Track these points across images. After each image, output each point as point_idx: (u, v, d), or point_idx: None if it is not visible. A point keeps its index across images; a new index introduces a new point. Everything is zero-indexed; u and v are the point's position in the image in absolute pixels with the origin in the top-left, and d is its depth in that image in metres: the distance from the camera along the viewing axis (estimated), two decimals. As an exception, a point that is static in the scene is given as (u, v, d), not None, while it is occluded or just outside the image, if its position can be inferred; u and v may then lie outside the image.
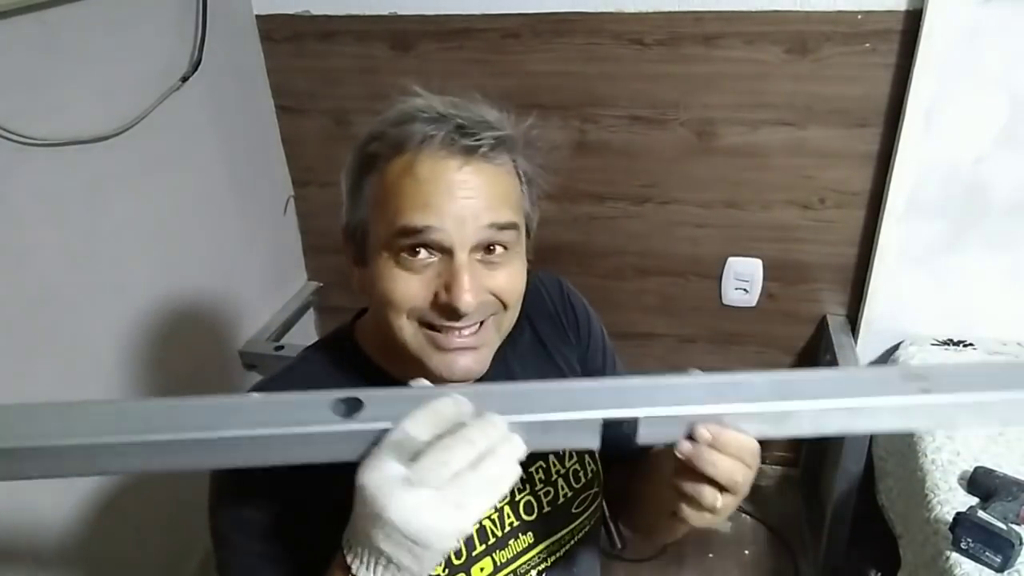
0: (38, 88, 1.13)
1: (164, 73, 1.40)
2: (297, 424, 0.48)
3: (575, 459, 0.83)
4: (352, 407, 0.49)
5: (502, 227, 0.65)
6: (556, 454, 0.82)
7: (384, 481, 0.46)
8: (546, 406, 0.50)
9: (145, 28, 1.34)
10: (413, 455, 0.46)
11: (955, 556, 1.11)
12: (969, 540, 1.10)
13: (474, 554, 0.74)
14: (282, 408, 0.49)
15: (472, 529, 0.47)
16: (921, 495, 1.26)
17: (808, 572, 1.74)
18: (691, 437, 0.55)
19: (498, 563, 0.76)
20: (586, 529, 0.85)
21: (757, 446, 0.57)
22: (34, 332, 1.15)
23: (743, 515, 1.89)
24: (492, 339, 0.69)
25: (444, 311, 0.64)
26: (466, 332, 0.66)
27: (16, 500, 1.13)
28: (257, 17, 1.67)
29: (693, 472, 0.57)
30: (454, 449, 0.46)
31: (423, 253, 0.64)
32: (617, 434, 0.93)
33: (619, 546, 0.98)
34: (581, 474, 0.84)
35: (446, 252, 0.64)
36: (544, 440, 0.50)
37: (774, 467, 2.00)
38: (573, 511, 0.83)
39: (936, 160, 1.47)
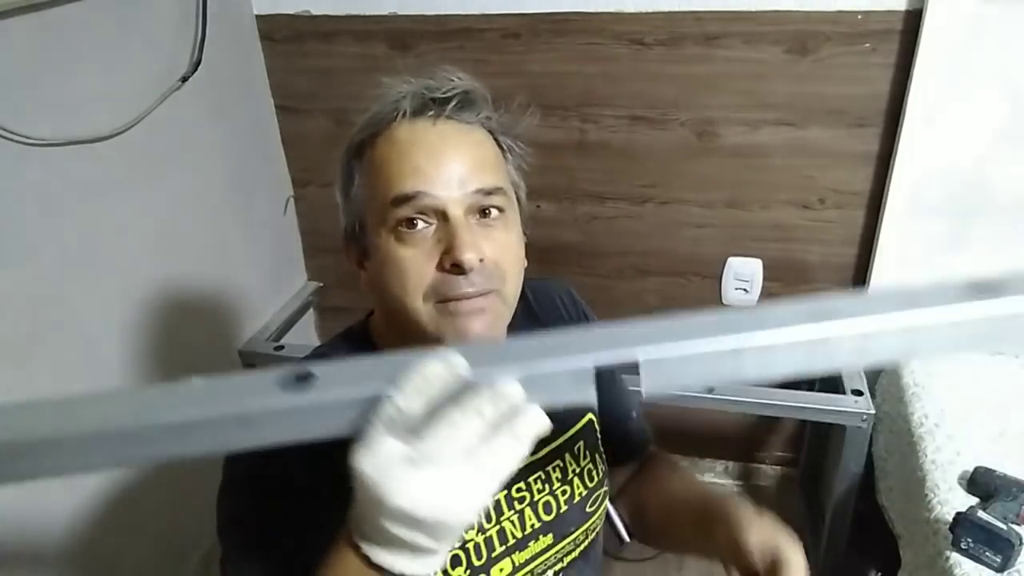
0: (38, 88, 1.13)
1: (164, 73, 1.40)
2: (241, 406, 0.42)
3: (588, 458, 0.84)
4: (302, 381, 0.43)
5: (489, 192, 0.67)
6: (571, 453, 0.82)
7: (384, 463, 0.41)
8: (526, 356, 0.43)
9: (145, 28, 1.34)
10: (412, 429, 0.42)
11: (955, 556, 1.11)
12: (969, 540, 1.10)
13: (494, 555, 0.74)
14: (227, 390, 0.43)
15: (490, 501, 0.43)
16: (921, 495, 1.26)
17: (808, 572, 1.74)
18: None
19: (517, 564, 0.75)
20: (596, 528, 0.85)
21: None
22: (34, 332, 1.15)
23: (743, 515, 1.89)
24: (500, 308, 0.69)
25: (451, 271, 0.65)
26: (476, 299, 0.66)
27: (17, 501, 1.13)
28: (257, 17, 1.67)
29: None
30: (462, 424, 0.41)
31: (420, 224, 0.65)
32: (626, 435, 0.93)
33: (627, 540, 0.98)
34: (594, 472, 0.84)
35: (441, 216, 0.65)
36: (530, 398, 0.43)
37: (774, 467, 2.00)
38: (587, 510, 0.83)
39: (936, 160, 1.46)
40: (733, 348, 0.42)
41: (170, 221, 1.44)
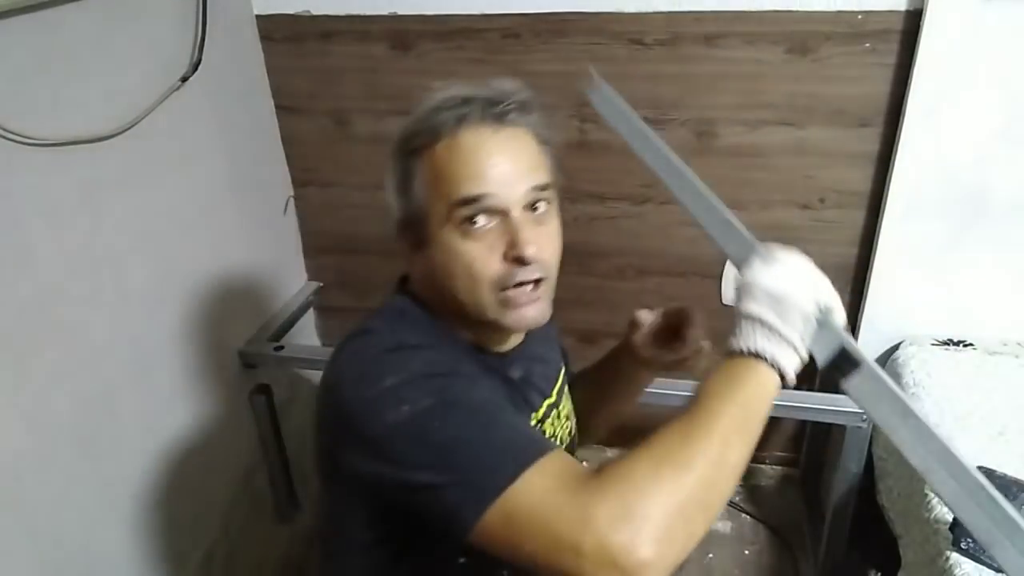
0: (38, 88, 1.13)
1: (164, 73, 1.40)
2: None
3: (569, 398, 0.99)
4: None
5: (542, 188, 0.77)
6: (565, 395, 0.97)
7: (753, 265, 0.70)
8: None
9: (145, 28, 1.34)
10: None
11: (955, 556, 1.11)
12: (969, 540, 1.10)
13: None
14: None
15: (825, 298, 0.67)
16: (921, 495, 1.26)
17: (808, 572, 1.74)
18: None
19: None
20: None
21: None
22: (34, 332, 1.15)
23: (743, 515, 1.89)
24: (549, 294, 0.81)
25: (515, 263, 0.75)
26: (529, 289, 0.77)
27: (19, 501, 1.13)
28: (257, 17, 1.67)
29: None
30: (799, 265, 0.70)
31: (481, 220, 0.75)
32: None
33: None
34: (572, 411, 0.98)
35: (501, 214, 0.75)
36: None
37: (774, 467, 2.00)
38: (575, 444, 0.99)
39: (936, 160, 1.47)
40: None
41: (170, 221, 1.44)
